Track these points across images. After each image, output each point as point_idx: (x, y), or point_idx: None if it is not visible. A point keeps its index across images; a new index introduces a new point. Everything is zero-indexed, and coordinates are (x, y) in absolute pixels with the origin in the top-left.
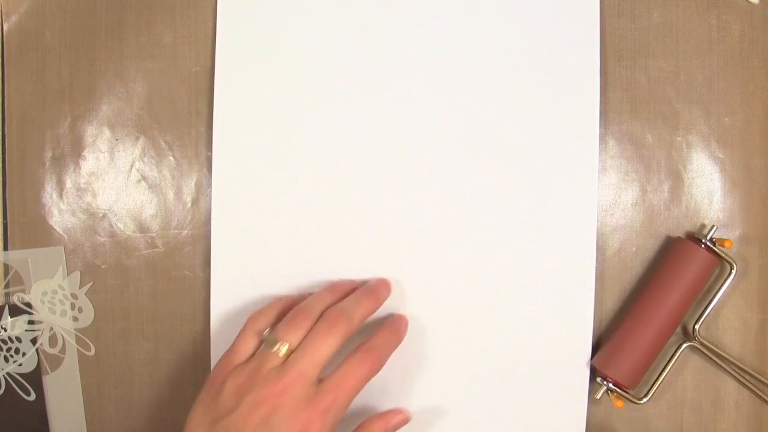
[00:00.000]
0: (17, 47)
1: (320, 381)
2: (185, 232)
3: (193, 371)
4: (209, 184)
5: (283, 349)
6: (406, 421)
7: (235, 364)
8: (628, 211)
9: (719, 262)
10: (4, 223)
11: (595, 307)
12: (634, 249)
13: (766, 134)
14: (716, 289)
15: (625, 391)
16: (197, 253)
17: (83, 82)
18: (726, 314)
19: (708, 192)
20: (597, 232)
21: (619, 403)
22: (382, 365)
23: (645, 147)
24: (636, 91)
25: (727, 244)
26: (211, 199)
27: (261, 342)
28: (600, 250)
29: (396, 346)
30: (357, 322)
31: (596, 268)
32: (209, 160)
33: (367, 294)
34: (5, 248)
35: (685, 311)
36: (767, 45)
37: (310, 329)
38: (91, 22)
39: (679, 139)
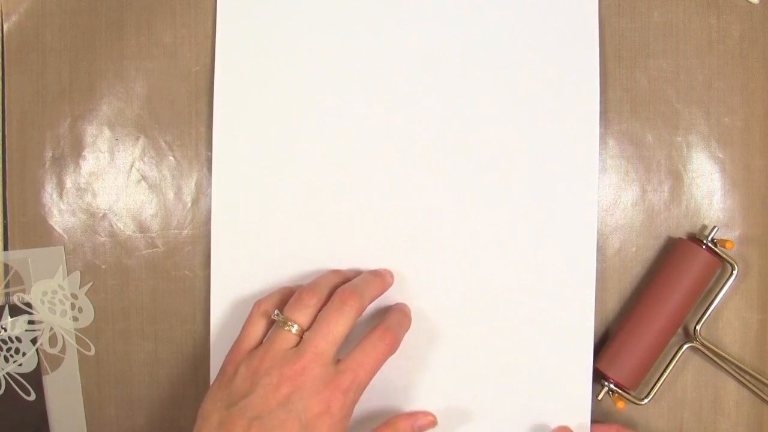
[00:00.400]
0: (17, 47)
1: (338, 361)
2: (185, 232)
3: (193, 371)
4: (209, 184)
5: (293, 328)
6: (433, 424)
7: (247, 349)
8: (628, 211)
9: (720, 263)
10: (4, 223)
11: (595, 308)
12: (634, 249)
13: (766, 134)
14: (717, 290)
15: (627, 392)
16: (197, 253)
17: (83, 82)
18: (726, 314)
19: (708, 192)
20: (597, 232)
21: (621, 404)
22: (398, 345)
23: (645, 147)
24: (636, 91)
25: (728, 245)
26: (211, 199)
27: (270, 324)
28: (600, 250)
29: (408, 328)
30: (367, 300)
31: (596, 268)
32: (209, 160)
33: (375, 275)
34: (5, 248)
35: (686, 312)
36: (767, 45)
37: (319, 308)
38: (90, 22)
39: (679, 139)
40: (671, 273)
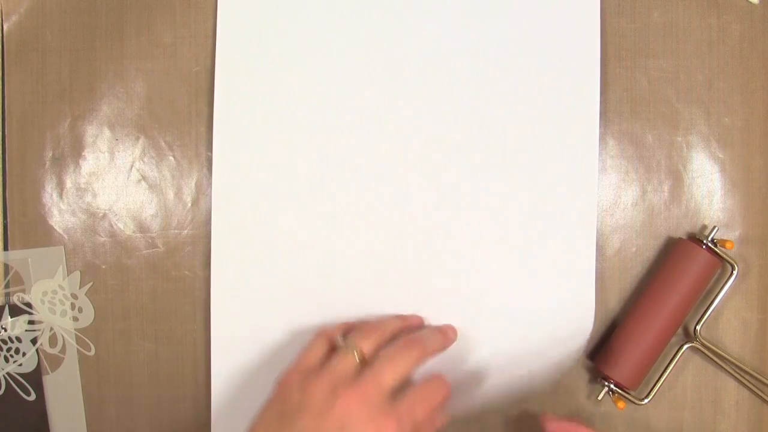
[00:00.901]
0: (17, 47)
1: (394, 398)
2: (185, 232)
3: (193, 371)
4: (209, 184)
5: (356, 353)
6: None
7: (308, 367)
8: (628, 211)
9: (720, 263)
10: (4, 223)
11: (596, 308)
12: (634, 249)
13: (766, 134)
14: (717, 290)
15: (627, 392)
16: (197, 253)
17: (83, 82)
18: (726, 314)
19: (708, 192)
20: (597, 232)
21: (621, 404)
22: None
23: (645, 147)
24: (636, 91)
25: (728, 245)
26: (211, 199)
27: (330, 350)
28: (600, 250)
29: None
30: (430, 352)
31: (596, 268)
32: (209, 160)
33: (439, 331)
34: (5, 248)
35: (686, 312)
36: (767, 45)
37: (380, 343)
38: (91, 22)
39: (679, 139)
40: (671, 273)
